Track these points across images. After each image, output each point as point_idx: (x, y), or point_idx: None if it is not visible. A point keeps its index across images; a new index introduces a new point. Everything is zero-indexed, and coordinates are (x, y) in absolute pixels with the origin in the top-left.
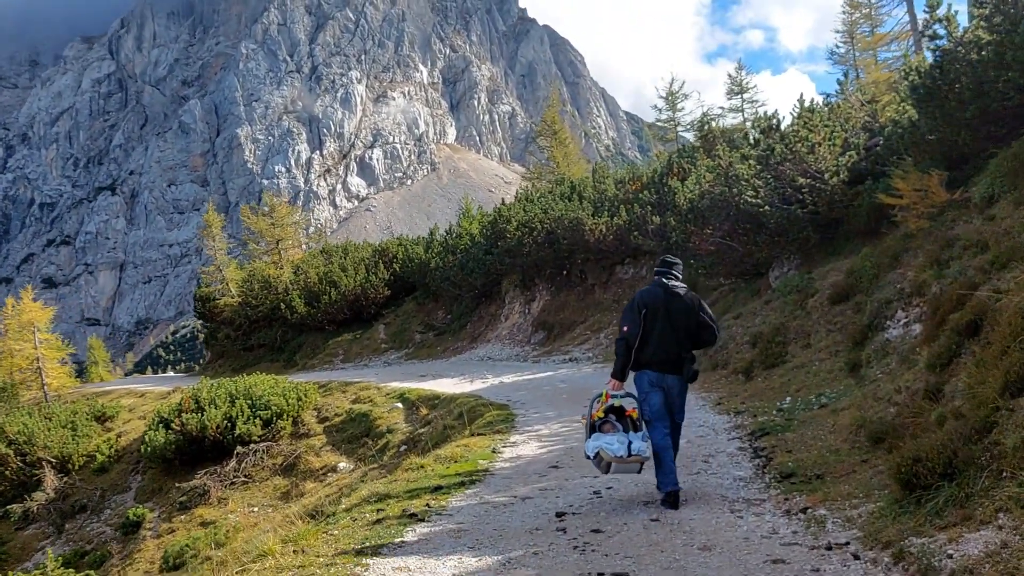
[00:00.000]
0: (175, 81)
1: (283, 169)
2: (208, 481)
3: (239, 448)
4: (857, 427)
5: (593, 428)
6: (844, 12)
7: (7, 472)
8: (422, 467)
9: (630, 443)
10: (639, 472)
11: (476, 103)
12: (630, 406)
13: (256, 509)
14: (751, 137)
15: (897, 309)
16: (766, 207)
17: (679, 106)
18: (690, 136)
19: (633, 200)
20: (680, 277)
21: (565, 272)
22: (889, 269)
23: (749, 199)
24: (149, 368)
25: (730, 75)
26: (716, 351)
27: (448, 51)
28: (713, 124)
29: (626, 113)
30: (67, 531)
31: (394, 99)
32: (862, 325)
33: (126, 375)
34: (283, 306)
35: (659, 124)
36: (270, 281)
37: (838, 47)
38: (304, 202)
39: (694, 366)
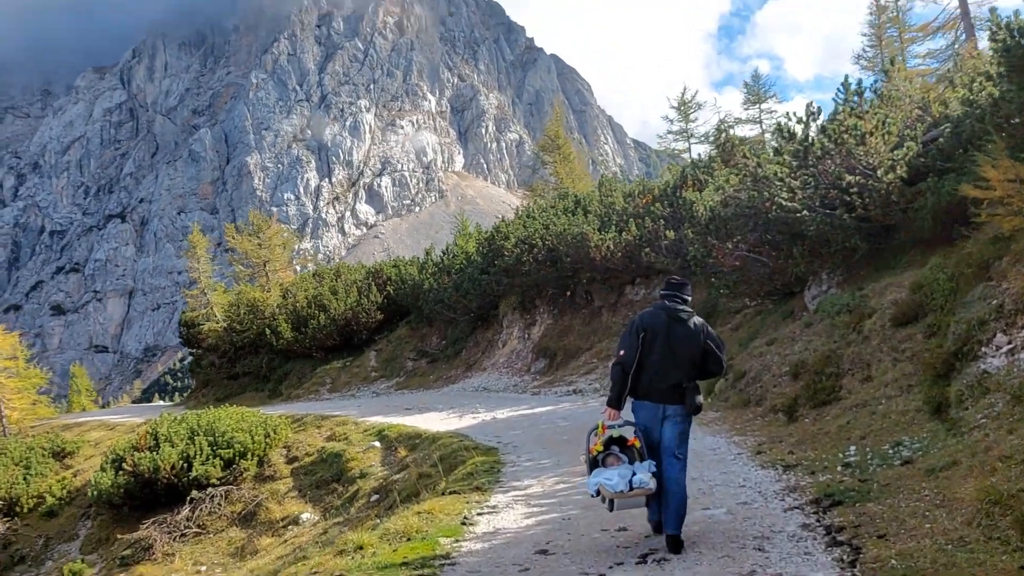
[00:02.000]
0: (186, 110)
1: (292, 197)
2: (155, 532)
3: (194, 493)
4: (989, 504)
5: (595, 463)
6: (871, 14)
7: None
8: (360, 550)
9: (633, 475)
10: (646, 506)
11: (484, 131)
12: (631, 435)
13: (204, 568)
14: (789, 128)
15: (995, 332)
16: (804, 212)
17: (692, 116)
18: (703, 150)
19: (644, 214)
20: (687, 300)
21: (569, 293)
22: (975, 281)
23: (783, 202)
24: (156, 395)
25: (747, 83)
26: (748, 384)
27: (456, 80)
28: (731, 132)
29: (633, 140)
30: None
31: (402, 127)
32: (945, 353)
33: (133, 402)
34: (268, 331)
35: (670, 135)
36: (256, 305)
37: (865, 51)
38: (313, 229)
39: (697, 397)
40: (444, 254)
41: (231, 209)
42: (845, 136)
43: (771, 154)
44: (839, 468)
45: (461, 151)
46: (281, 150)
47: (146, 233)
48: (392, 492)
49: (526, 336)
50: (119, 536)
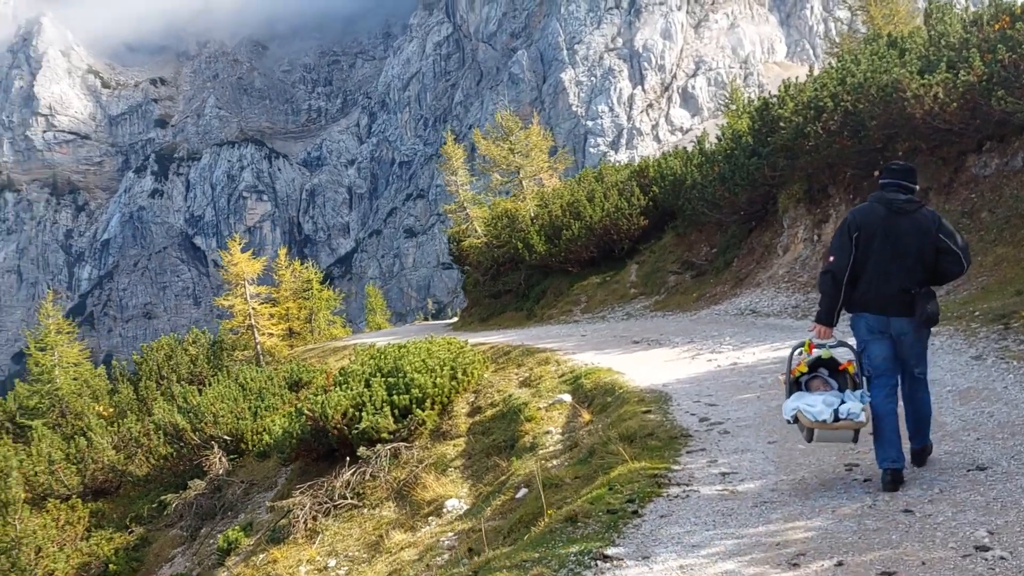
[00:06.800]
0: (504, 34)
1: (606, 108)
2: (306, 501)
3: (361, 450)
4: None
5: (798, 386)
6: None
7: (184, 450)
8: None
9: (840, 403)
10: (854, 441)
11: (808, 13)
12: (844, 358)
13: (333, 563)
14: None
15: None
16: None
17: None
18: None
19: (995, 45)
20: (913, 189)
21: (876, 173)
22: None
23: None
24: None
25: None
26: None
27: None
28: None
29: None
30: (201, 536)
31: (716, 22)
32: None
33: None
34: (521, 245)
35: None
36: (514, 216)
37: None
38: (627, 139)
39: (930, 305)
40: (718, 139)
41: (549, 127)
42: None
43: None
44: None
45: (782, 39)
46: (593, 62)
47: (476, 158)
48: (533, 490)
49: (814, 238)
50: (269, 504)
